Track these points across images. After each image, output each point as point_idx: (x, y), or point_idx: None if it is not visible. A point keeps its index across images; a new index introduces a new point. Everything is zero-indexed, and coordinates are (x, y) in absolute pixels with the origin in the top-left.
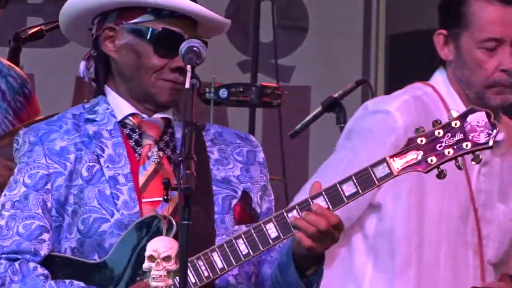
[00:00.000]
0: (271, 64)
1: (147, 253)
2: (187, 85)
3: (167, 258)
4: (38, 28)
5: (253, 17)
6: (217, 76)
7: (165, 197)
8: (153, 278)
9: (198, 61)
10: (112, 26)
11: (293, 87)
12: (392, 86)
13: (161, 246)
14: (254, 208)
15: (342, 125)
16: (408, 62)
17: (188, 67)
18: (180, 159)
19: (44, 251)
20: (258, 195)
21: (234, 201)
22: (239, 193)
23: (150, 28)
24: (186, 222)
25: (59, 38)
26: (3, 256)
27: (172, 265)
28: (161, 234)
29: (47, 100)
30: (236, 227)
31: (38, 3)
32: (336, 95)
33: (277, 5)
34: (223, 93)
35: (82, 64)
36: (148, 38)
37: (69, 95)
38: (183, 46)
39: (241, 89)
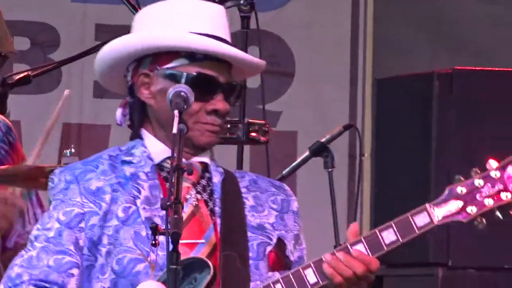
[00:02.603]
0: (258, 109)
1: None
2: (174, 130)
3: None
4: (25, 73)
5: None
6: None
7: (153, 242)
8: None
9: (185, 106)
10: (147, 72)
11: (280, 132)
12: (379, 131)
13: None
14: (288, 255)
15: (330, 169)
16: (395, 107)
17: (176, 112)
18: (168, 203)
19: (71, 285)
20: (291, 243)
21: (269, 248)
22: (274, 240)
23: (185, 73)
24: (174, 267)
25: (46, 84)
26: (32, 282)
27: None
28: (198, 277)
29: (33, 147)
30: (270, 273)
31: (24, 50)
32: (323, 139)
33: (263, 50)
34: None
35: (119, 111)
36: (183, 83)
37: (56, 142)
38: (171, 91)
39: (228, 126)
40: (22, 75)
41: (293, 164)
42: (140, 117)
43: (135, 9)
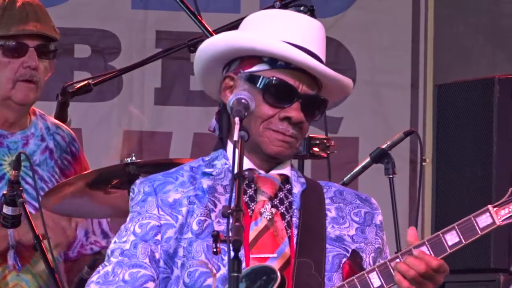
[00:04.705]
0: None
1: None
2: (235, 138)
3: None
4: (86, 82)
5: None
6: None
7: (214, 250)
8: None
9: (246, 114)
10: (231, 75)
11: (341, 138)
12: (440, 136)
13: None
14: (364, 268)
15: (391, 176)
16: (456, 112)
17: (237, 119)
18: (229, 211)
19: None
20: (370, 256)
21: (344, 260)
22: (350, 251)
23: (262, 76)
24: (235, 274)
25: (107, 92)
26: None
27: None
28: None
29: (95, 155)
30: None
31: (84, 57)
32: (384, 146)
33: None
34: None
35: (214, 119)
36: (259, 86)
37: (118, 149)
38: (231, 98)
39: None
40: (82, 83)
41: (354, 171)
42: (227, 122)
43: (195, 15)
